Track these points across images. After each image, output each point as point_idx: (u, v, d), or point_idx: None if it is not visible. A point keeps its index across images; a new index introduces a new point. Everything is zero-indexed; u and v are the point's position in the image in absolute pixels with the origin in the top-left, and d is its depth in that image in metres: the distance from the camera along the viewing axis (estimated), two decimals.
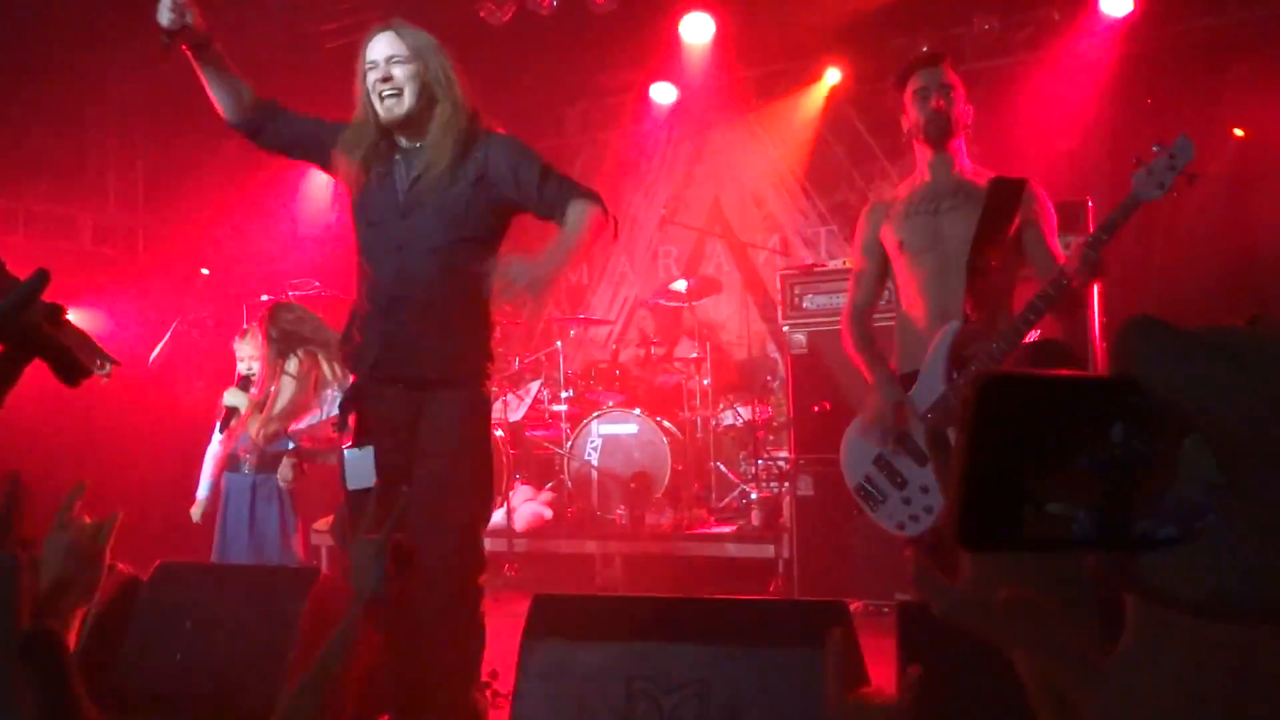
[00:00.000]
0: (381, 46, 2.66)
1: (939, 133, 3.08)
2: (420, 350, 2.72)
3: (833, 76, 7.00)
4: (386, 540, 1.79)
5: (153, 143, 8.42)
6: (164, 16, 2.64)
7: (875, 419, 3.11)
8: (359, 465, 2.70)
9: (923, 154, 3.16)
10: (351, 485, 2.72)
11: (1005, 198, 3.05)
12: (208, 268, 7.87)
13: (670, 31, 6.80)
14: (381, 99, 2.67)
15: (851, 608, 4.23)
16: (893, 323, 3.30)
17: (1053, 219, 3.10)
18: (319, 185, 7.09)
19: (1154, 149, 2.77)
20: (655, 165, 7.95)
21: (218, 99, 2.85)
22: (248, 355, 4.61)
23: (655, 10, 6.63)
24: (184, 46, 2.73)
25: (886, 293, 3.41)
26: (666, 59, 7.06)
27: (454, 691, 2.76)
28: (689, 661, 2.17)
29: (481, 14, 6.44)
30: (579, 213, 2.62)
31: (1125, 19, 6.00)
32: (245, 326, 4.87)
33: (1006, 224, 3.04)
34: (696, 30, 6.78)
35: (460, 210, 2.71)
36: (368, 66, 2.67)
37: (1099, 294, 4.60)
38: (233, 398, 4.54)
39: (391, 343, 2.74)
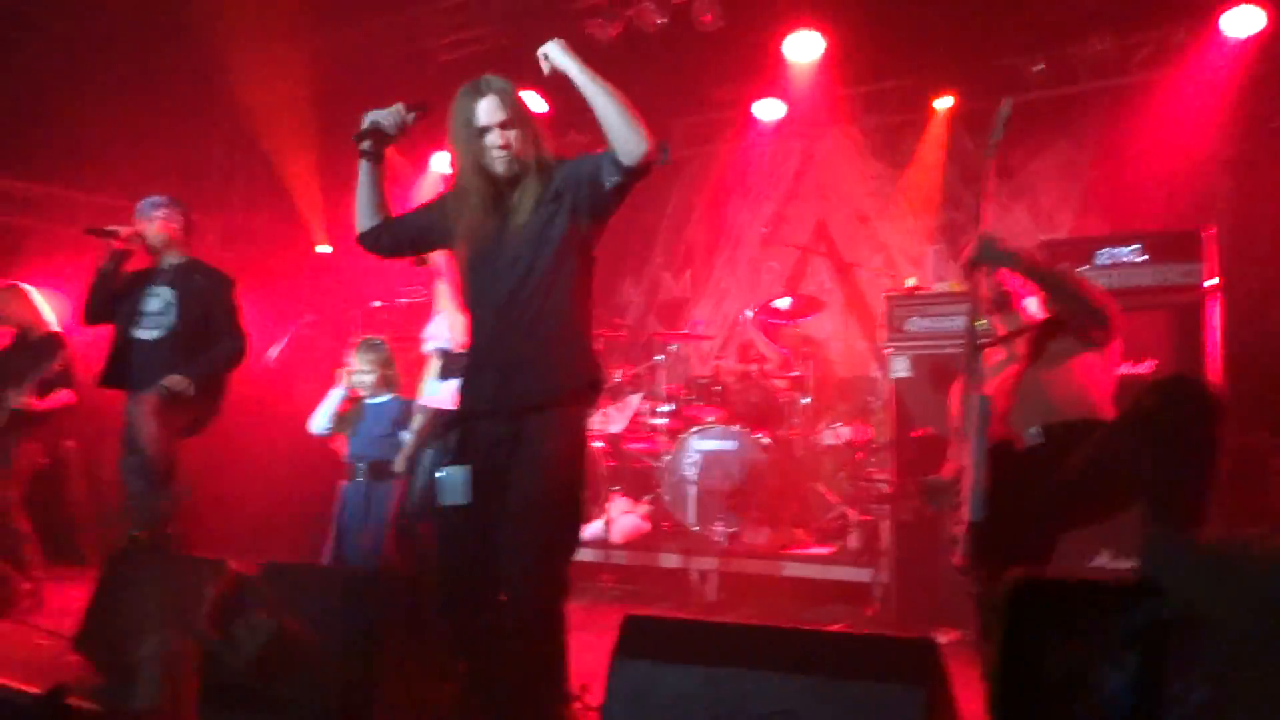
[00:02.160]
0: (488, 110, 2.74)
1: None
2: (520, 380, 2.78)
3: (944, 102, 6.90)
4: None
5: (273, 150, 8.75)
6: (387, 120, 2.93)
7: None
8: (454, 482, 2.76)
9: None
10: (445, 501, 2.78)
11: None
12: (324, 274, 8.15)
13: (775, 48, 6.80)
14: (496, 159, 2.76)
15: (950, 637, 4.19)
16: None
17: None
18: (429, 193, 7.27)
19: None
20: (759, 181, 7.95)
21: (362, 205, 3.05)
22: (361, 369, 4.78)
23: (761, 28, 6.64)
24: (369, 145, 2.95)
25: None
26: (772, 76, 7.05)
27: (537, 713, 2.80)
28: (776, 690, 2.18)
29: (589, 30, 6.54)
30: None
31: (1250, 39, 5.78)
32: (356, 340, 5.04)
33: None
34: (803, 48, 6.76)
35: (547, 234, 2.78)
36: (480, 130, 2.75)
37: (1220, 318, 4.44)
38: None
39: (496, 387, 2.80)
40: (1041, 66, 6.58)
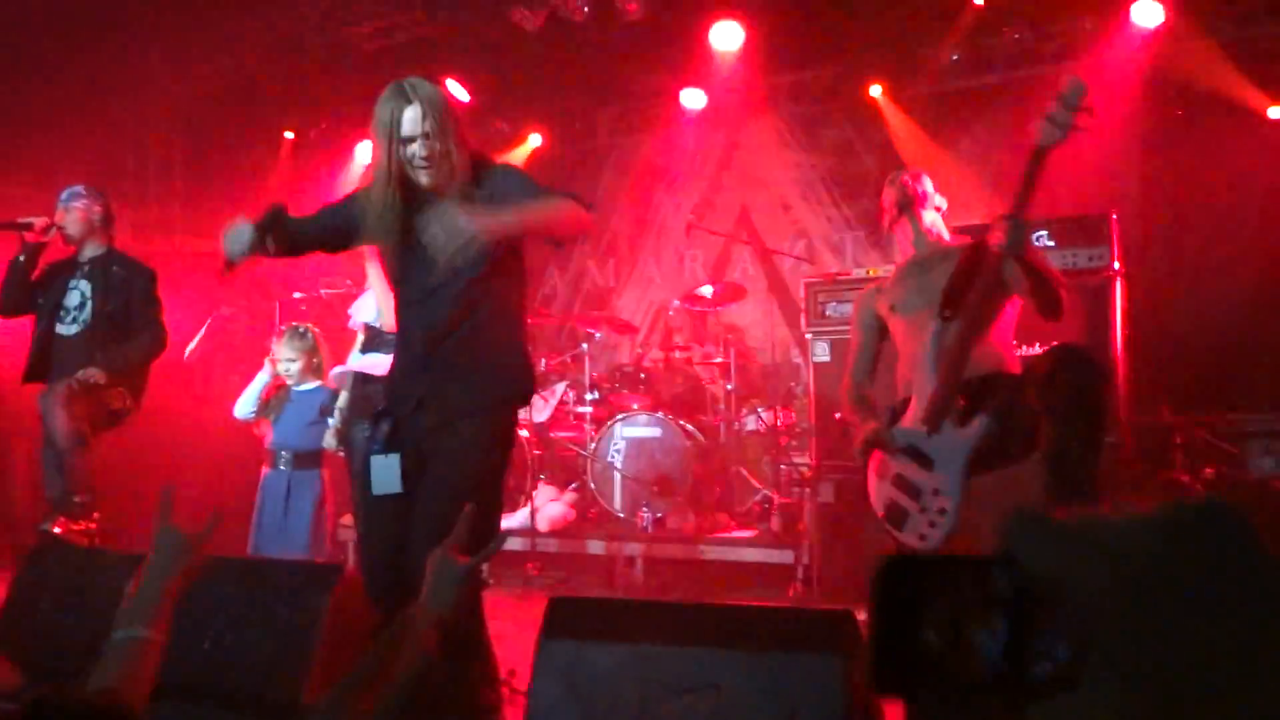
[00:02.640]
0: (412, 120, 2.69)
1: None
2: (453, 388, 2.77)
3: (872, 90, 7.02)
4: (473, 570, 1.87)
5: (190, 139, 8.59)
6: (239, 249, 2.78)
7: (864, 444, 3.33)
8: (386, 471, 2.76)
9: (903, 234, 3.59)
10: (378, 491, 2.78)
11: (978, 246, 3.27)
12: (239, 268, 8.00)
13: (701, 38, 6.86)
14: (418, 170, 2.71)
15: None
16: None
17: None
18: (353, 183, 7.21)
19: (1053, 99, 2.93)
20: (684, 170, 8.02)
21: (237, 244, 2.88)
22: (286, 356, 4.73)
23: (686, 17, 6.69)
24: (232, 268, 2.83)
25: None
26: (697, 65, 7.11)
27: (461, 700, 2.81)
28: (700, 664, 2.23)
29: (514, 19, 6.53)
30: (557, 198, 2.67)
31: (1156, 30, 5.99)
32: (282, 328, 4.98)
33: (979, 267, 3.21)
34: (726, 38, 6.83)
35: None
36: (403, 139, 2.70)
37: (1123, 301, 4.62)
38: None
39: (427, 390, 2.80)
40: (957, 57, 6.75)
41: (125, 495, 5.56)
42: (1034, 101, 6.17)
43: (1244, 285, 5.59)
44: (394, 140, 2.69)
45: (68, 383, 4.44)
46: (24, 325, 4.84)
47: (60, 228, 4.72)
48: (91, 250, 4.80)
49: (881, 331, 3.57)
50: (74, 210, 4.75)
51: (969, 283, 3.16)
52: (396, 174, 2.72)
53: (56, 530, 4.35)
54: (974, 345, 3.13)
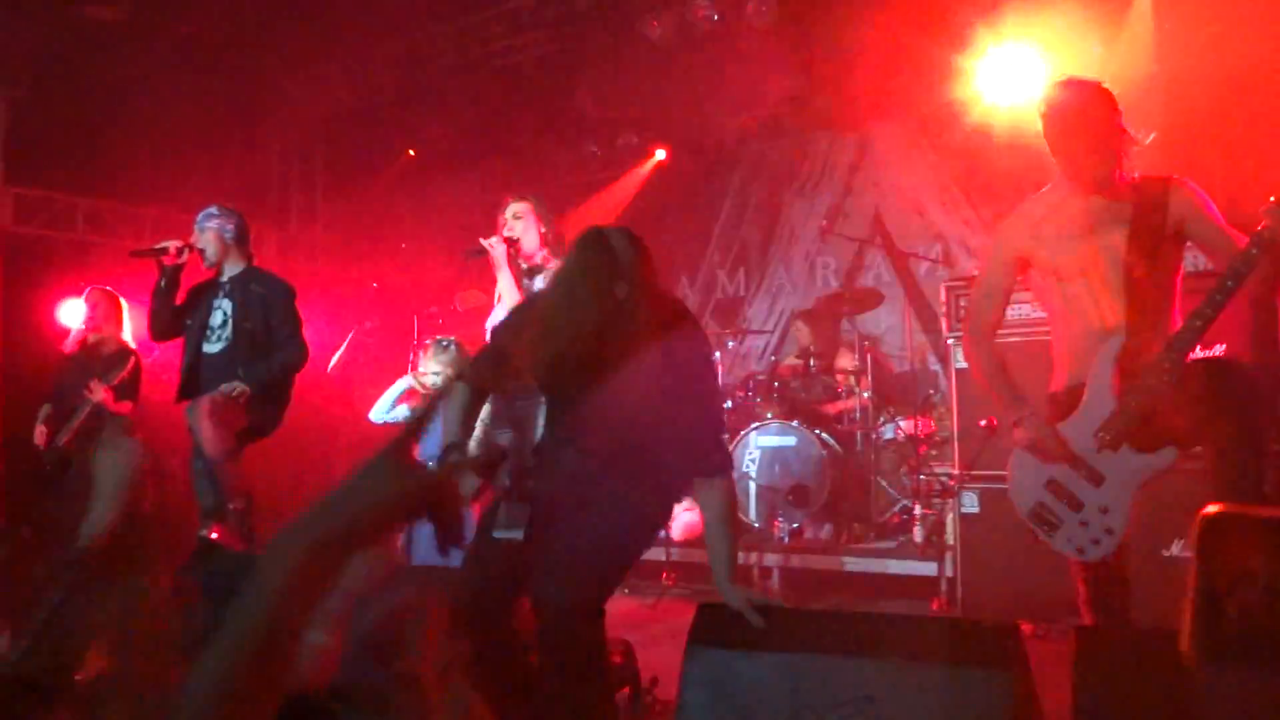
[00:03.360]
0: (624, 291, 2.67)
1: (1102, 179, 2.97)
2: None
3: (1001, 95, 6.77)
4: None
5: (330, 163, 8.90)
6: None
7: (1033, 448, 3.01)
8: (514, 521, 2.72)
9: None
10: (499, 534, 2.73)
11: (1153, 200, 2.92)
12: (378, 281, 8.25)
13: (827, 40, 6.75)
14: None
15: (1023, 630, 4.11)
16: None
17: (1210, 204, 2.93)
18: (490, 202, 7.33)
19: None
20: (814, 176, 7.91)
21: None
22: (433, 370, 4.81)
23: (814, 21, 6.60)
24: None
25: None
26: (825, 69, 7.00)
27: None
28: (855, 676, 2.16)
29: (642, 30, 6.56)
30: None
31: None
32: (427, 341, 5.07)
33: (1160, 229, 2.91)
34: (857, 40, 6.69)
35: None
36: (614, 301, 2.68)
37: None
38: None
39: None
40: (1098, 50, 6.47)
41: (278, 502, 5.77)
42: None
43: None
44: (604, 298, 2.64)
45: (212, 396, 4.58)
46: (177, 348, 5.00)
47: (197, 249, 4.81)
48: (231, 269, 4.90)
49: (1017, 274, 3.16)
50: (208, 231, 4.84)
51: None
52: (583, 332, 2.67)
53: (214, 536, 4.51)
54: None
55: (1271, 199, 2.68)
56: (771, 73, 7.18)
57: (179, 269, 4.83)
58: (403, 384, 4.87)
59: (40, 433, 5.55)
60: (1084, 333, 2.98)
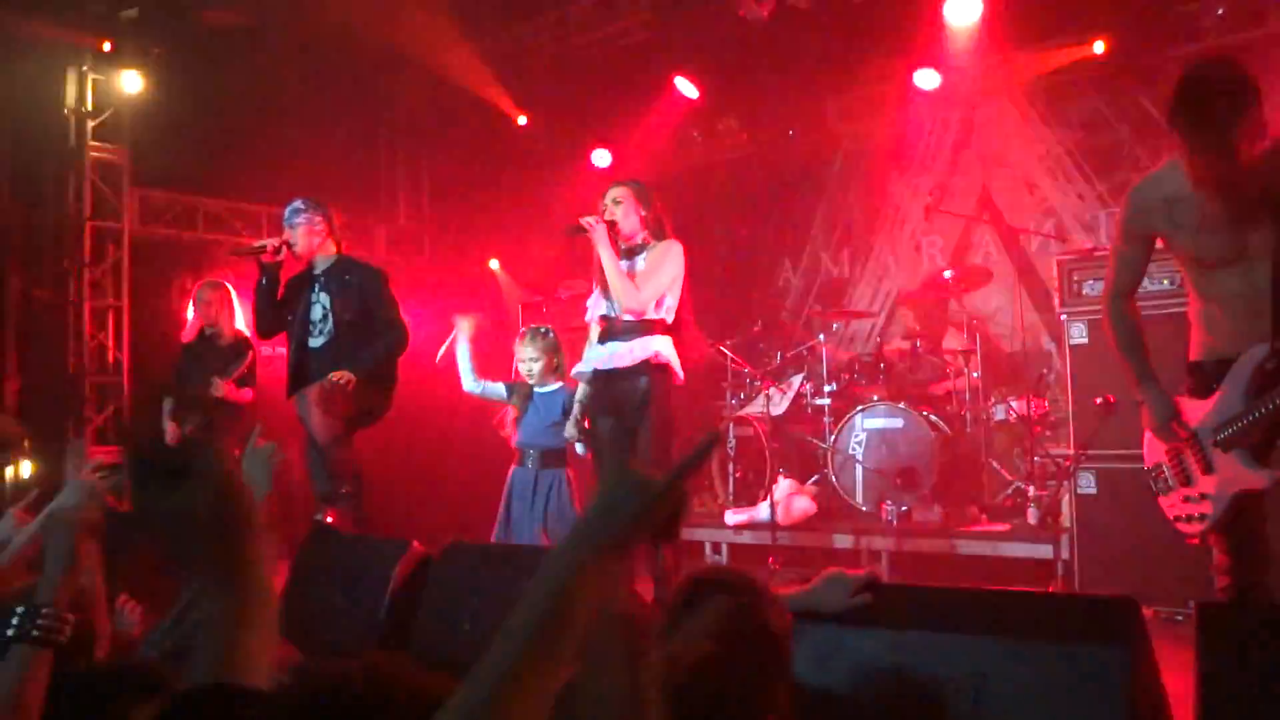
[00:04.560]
0: None
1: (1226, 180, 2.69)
2: None
3: (1099, 48, 6.51)
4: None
5: (436, 158, 9.07)
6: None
7: (1153, 430, 2.98)
8: None
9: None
10: None
11: None
12: (479, 268, 8.39)
13: (934, 15, 6.59)
14: None
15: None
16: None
17: None
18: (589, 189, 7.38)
19: None
20: (919, 153, 7.75)
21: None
22: (529, 357, 4.87)
23: None
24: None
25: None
26: (929, 44, 6.84)
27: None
28: (965, 653, 2.11)
29: (741, 12, 6.50)
30: None
31: None
32: (524, 329, 5.13)
33: None
34: (961, 12, 6.53)
35: None
36: None
37: None
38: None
39: None
40: (1221, 11, 6.18)
41: (389, 487, 5.91)
42: None
43: None
44: None
45: (320, 384, 4.70)
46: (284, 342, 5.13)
47: (289, 245, 4.87)
48: (323, 262, 4.96)
49: (1153, 245, 2.97)
50: (298, 226, 4.88)
51: None
52: None
53: (328, 520, 4.65)
54: None
55: None
56: (872, 49, 7.06)
57: (278, 266, 4.91)
58: (462, 347, 4.97)
59: (171, 430, 5.77)
60: (1227, 319, 2.85)
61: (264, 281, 4.91)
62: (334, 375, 4.69)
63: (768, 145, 8.20)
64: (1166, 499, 2.99)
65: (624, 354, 4.09)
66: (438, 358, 6.86)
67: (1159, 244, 2.98)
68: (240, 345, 5.89)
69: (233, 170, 7.43)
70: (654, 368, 4.06)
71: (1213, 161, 2.62)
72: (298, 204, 4.93)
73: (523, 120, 8.23)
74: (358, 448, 4.97)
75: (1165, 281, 4.37)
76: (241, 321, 6.03)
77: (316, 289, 4.94)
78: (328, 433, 4.75)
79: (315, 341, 4.90)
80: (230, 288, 6.03)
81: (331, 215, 5.01)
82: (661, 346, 4.08)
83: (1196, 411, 2.89)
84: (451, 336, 7.06)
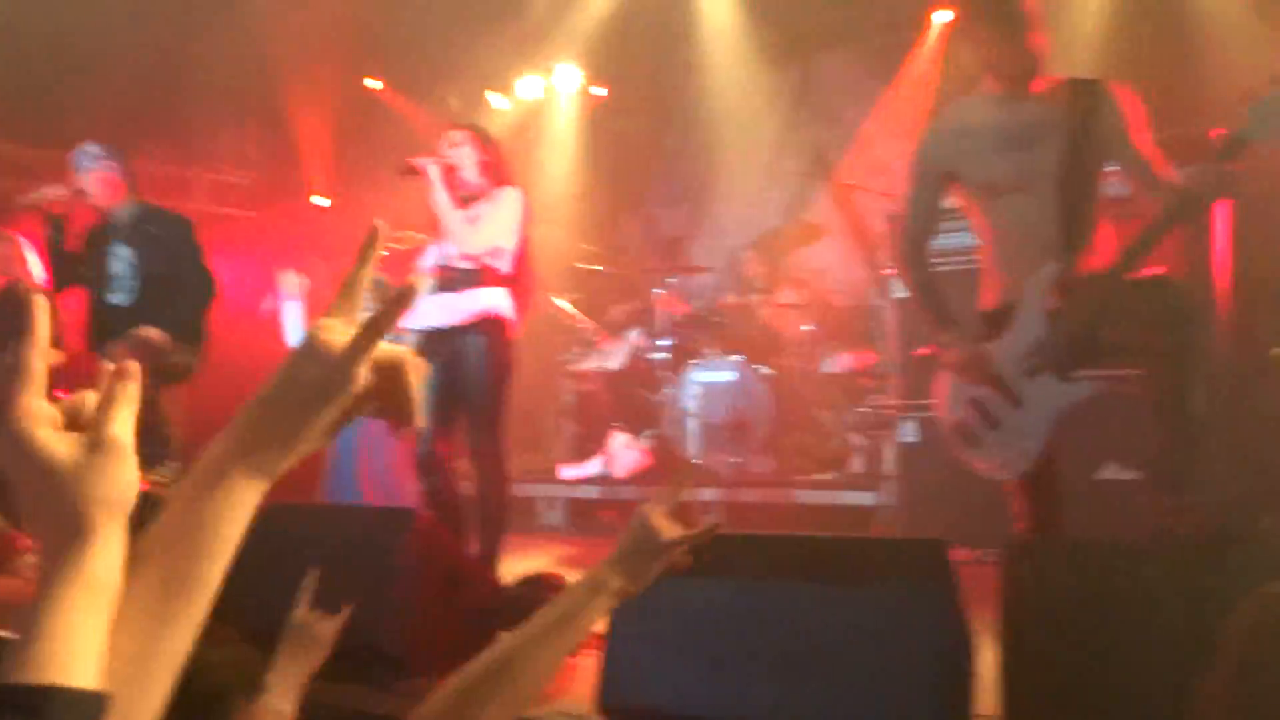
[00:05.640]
0: None
1: (1029, 70, 2.88)
2: None
3: (941, 16, 6.72)
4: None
5: (262, 100, 8.60)
6: None
7: (958, 370, 2.99)
8: None
9: (991, 80, 2.97)
10: None
11: (1084, 110, 2.85)
12: (318, 223, 8.07)
13: None
14: None
15: (955, 557, 4.17)
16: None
17: (1142, 120, 2.87)
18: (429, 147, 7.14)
19: (1271, 80, 2.55)
20: (756, 110, 7.81)
21: None
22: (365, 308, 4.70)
23: None
24: None
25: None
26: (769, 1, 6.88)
27: None
28: (789, 597, 2.14)
29: None
30: None
31: None
32: None
33: (1090, 141, 2.83)
34: None
35: None
36: None
37: (1228, 225, 4.34)
38: None
39: None
40: None
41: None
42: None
43: None
44: None
45: (120, 342, 4.40)
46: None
47: (81, 194, 4.51)
48: (123, 212, 4.62)
49: (945, 188, 3.08)
50: (91, 174, 4.52)
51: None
52: None
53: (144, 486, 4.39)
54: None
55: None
56: (711, 4, 7.05)
57: (64, 218, 4.55)
58: (293, 306, 4.75)
59: None
60: (1017, 251, 2.93)
61: (51, 235, 4.54)
62: (139, 332, 4.40)
63: (608, 98, 8.12)
64: (979, 451, 2.98)
65: (455, 309, 3.97)
66: (263, 307, 6.58)
67: (951, 195, 3.08)
68: (33, 299, 5.48)
69: (23, 111, 6.85)
70: (488, 323, 3.95)
71: (1008, 54, 2.82)
72: (92, 149, 4.55)
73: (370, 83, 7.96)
74: (168, 409, 4.69)
75: (957, 237, 4.49)
76: (41, 276, 5.60)
77: (115, 242, 4.59)
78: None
79: (116, 298, 4.57)
80: (22, 240, 5.57)
81: (129, 161, 4.67)
82: (497, 300, 3.97)
83: (995, 351, 2.94)
84: (278, 284, 6.79)
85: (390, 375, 0.81)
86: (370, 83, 8.12)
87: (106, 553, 0.70)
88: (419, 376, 0.83)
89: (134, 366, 0.75)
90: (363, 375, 0.78)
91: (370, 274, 0.84)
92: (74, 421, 0.74)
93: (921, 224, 3.14)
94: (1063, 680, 1.93)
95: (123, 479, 0.72)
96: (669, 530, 1.45)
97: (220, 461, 0.76)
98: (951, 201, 3.19)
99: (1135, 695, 1.86)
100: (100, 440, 0.72)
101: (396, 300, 0.79)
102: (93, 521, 0.70)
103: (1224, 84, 5.13)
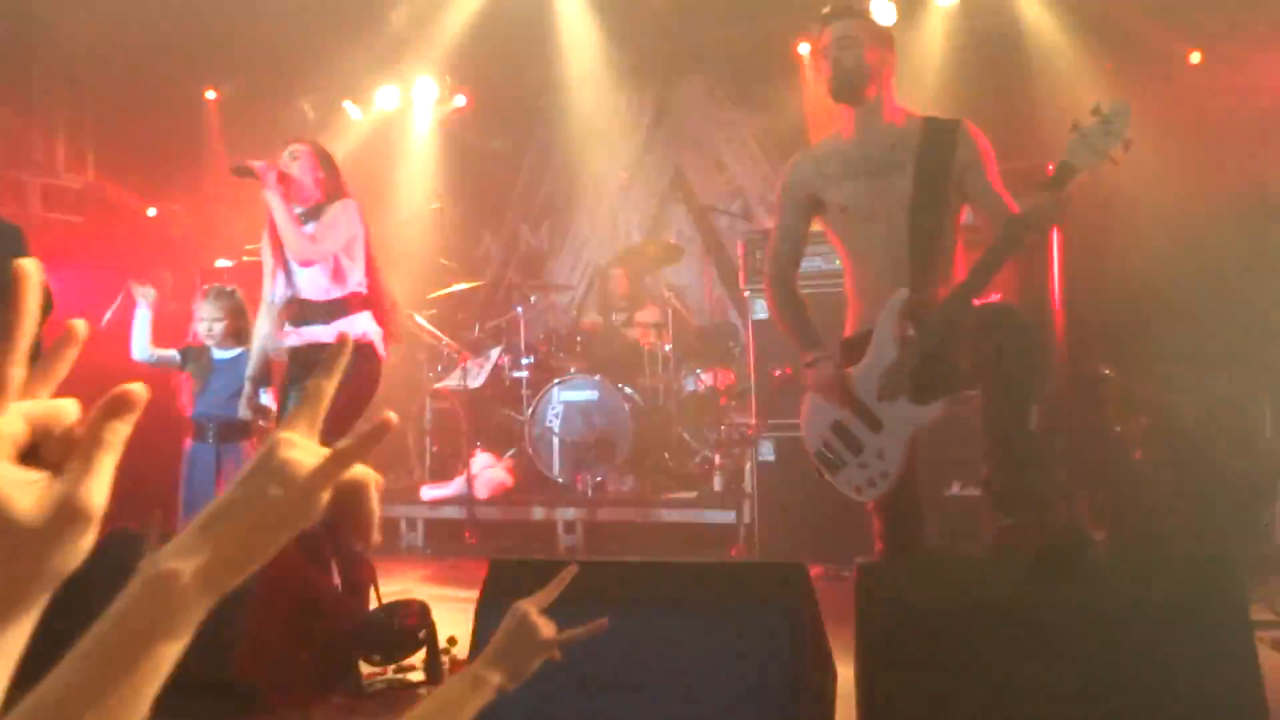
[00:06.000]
0: None
1: (842, 88, 3.05)
2: None
3: (804, 48, 6.90)
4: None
5: (103, 105, 8.22)
6: None
7: (820, 390, 3.08)
8: None
9: (845, 110, 3.12)
10: None
11: (939, 146, 3.01)
12: (153, 230, 7.76)
13: None
14: None
15: (813, 573, 4.27)
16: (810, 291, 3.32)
17: (993, 159, 3.05)
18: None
19: (1092, 112, 2.73)
20: (616, 129, 7.88)
21: None
22: (209, 316, 4.52)
23: None
24: None
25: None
26: (630, 21, 6.96)
27: None
28: (649, 623, 2.15)
29: None
30: None
31: None
32: (206, 288, 4.76)
33: (945, 176, 2.99)
34: None
35: None
36: None
37: (1059, 256, 4.61)
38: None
39: None
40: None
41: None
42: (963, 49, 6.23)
43: (1178, 235, 5.61)
44: None
45: None
46: None
47: None
48: None
49: (811, 214, 3.22)
50: None
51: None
52: None
53: None
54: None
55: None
56: (572, 24, 7.08)
57: None
58: (142, 313, 4.55)
59: None
60: (874, 277, 3.05)
61: None
62: None
63: (468, 112, 8.06)
64: (841, 474, 3.06)
65: (323, 334, 3.85)
66: (103, 322, 6.27)
67: (815, 222, 3.21)
68: None
69: None
70: (358, 348, 3.84)
71: (836, 77, 3.03)
72: None
73: (211, 95, 7.71)
74: None
75: (820, 261, 4.65)
76: None
77: None
78: None
79: None
80: None
81: None
82: (364, 325, 3.87)
83: (854, 377, 3.04)
84: (118, 301, 6.48)
85: (350, 495, 0.77)
86: (210, 94, 7.90)
87: (26, 626, 0.62)
88: (378, 496, 0.80)
89: (133, 399, 0.67)
90: (325, 498, 0.73)
91: (334, 386, 0.79)
92: (42, 440, 0.64)
93: (789, 246, 3.24)
94: (917, 692, 2.01)
95: (80, 552, 0.62)
96: (546, 628, 1.52)
97: (170, 575, 0.68)
98: (816, 226, 3.31)
99: (985, 703, 1.95)
100: (72, 506, 0.61)
101: (370, 435, 0.75)
102: (31, 599, 0.61)
103: (1053, 117, 5.44)
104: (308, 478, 0.72)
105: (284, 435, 0.73)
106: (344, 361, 0.80)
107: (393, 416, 0.76)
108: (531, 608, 1.54)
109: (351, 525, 0.78)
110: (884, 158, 3.03)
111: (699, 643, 2.08)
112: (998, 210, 2.95)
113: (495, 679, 1.43)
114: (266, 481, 0.71)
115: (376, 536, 0.79)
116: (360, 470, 0.76)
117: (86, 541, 0.62)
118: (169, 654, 0.66)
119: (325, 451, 0.73)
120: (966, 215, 3.16)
